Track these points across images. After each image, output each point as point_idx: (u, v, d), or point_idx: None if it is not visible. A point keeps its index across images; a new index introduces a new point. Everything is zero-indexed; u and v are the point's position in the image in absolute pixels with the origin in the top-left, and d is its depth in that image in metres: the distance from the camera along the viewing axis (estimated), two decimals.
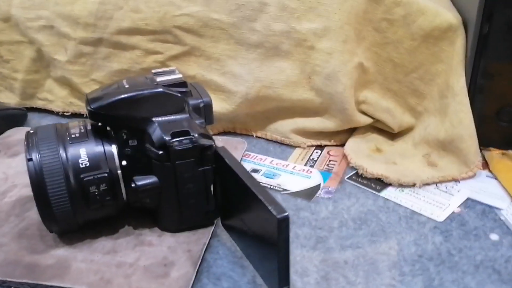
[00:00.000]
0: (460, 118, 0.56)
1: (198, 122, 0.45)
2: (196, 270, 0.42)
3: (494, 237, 0.47)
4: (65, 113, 0.72)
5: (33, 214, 0.49)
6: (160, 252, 0.44)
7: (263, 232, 0.38)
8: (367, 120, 0.62)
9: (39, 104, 0.73)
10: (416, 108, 0.62)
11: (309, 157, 0.61)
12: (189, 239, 0.46)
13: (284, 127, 0.64)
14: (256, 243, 0.40)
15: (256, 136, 0.66)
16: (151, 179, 0.44)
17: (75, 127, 0.45)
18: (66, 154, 0.42)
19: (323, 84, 0.60)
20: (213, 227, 0.47)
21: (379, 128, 0.64)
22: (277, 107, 0.63)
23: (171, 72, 0.47)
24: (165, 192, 0.44)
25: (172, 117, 0.44)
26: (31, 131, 0.44)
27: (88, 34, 0.65)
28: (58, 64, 0.68)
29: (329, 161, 0.61)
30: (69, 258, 0.44)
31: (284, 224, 0.35)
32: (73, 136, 0.43)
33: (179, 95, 0.44)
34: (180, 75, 0.45)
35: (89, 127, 0.45)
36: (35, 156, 0.41)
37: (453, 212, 0.51)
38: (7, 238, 0.46)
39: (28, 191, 0.52)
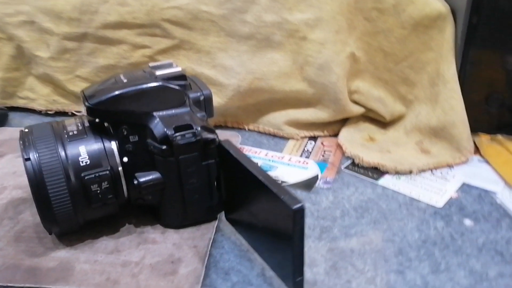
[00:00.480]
0: (451, 105, 0.57)
1: (199, 115, 0.44)
2: (204, 265, 0.41)
3: (468, 223, 0.48)
4: (48, 112, 0.70)
5: (28, 216, 0.47)
6: (165, 250, 0.43)
7: (275, 223, 0.37)
8: (359, 110, 0.63)
9: (20, 103, 0.70)
10: (406, 97, 0.62)
11: (304, 148, 0.61)
12: (193, 235, 0.45)
13: (277, 119, 0.63)
14: (266, 235, 0.39)
15: (248, 129, 0.65)
16: (153, 175, 0.43)
17: (72, 125, 0.43)
18: (65, 153, 0.41)
19: (316, 75, 0.59)
20: (216, 222, 0.47)
21: (371, 117, 0.64)
22: (269, 99, 0.63)
23: (169, 65, 0.45)
24: (168, 188, 0.43)
25: (173, 111, 0.43)
26: (26, 130, 0.42)
27: (72, 29, 0.63)
28: (40, 61, 0.66)
29: (324, 151, 0.61)
30: (72, 260, 0.42)
31: (299, 214, 0.34)
32: (70, 133, 0.42)
33: (179, 88, 0.43)
34: (179, 68, 0.44)
35: (86, 124, 0.43)
36: (33, 155, 0.40)
37: (450, 198, 0.52)
38: (3, 242, 0.44)
39: (19, 193, 0.51)
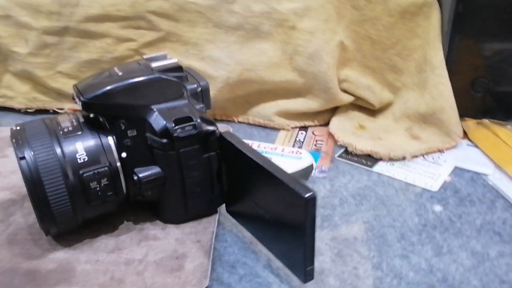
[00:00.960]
0: (440, 91, 0.58)
1: (198, 107, 0.43)
2: (210, 260, 0.41)
3: (437, 208, 0.49)
4: (28, 110, 0.67)
5: (19, 218, 0.46)
6: (168, 245, 0.42)
7: (284, 213, 0.37)
8: (349, 98, 0.63)
9: None
10: (394, 84, 0.63)
11: (296, 139, 0.61)
12: (195, 229, 0.44)
13: (267, 110, 0.63)
14: (273, 225, 0.39)
15: (238, 121, 0.65)
16: (154, 170, 0.42)
17: (66, 121, 0.41)
18: (61, 150, 0.39)
19: (306, 64, 0.59)
20: (217, 215, 0.46)
21: (360, 105, 0.65)
22: (259, 90, 0.62)
23: (164, 56, 0.44)
24: (169, 183, 0.42)
25: (172, 103, 0.42)
26: (18, 128, 0.40)
27: (52, 23, 0.61)
28: (18, 57, 0.63)
29: (316, 141, 0.61)
30: (72, 261, 0.41)
31: (311, 203, 0.34)
32: (65, 130, 0.40)
33: (176, 80, 0.42)
34: (175, 60, 0.43)
35: (81, 120, 0.41)
36: (28, 154, 0.38)
37: (444, 181, 0.52)
38: None
39: (7, 194, 0.49)
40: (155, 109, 0.41)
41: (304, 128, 0.63)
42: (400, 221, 0.47)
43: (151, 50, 0.61)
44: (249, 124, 0.64)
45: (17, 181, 0.51)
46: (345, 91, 0.63)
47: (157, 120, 0.41)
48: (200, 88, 0.44)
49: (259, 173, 0.38)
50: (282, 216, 0.37)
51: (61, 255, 0.41)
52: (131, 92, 0.40)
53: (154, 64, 0.42)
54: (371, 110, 0.64)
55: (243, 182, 0.41)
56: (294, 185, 0.35)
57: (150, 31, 0.61)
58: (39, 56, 0.63)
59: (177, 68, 0.43)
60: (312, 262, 0.37)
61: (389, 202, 0.50)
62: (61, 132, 0.40)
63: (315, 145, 0.60)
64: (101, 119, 0.41)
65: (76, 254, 0.41)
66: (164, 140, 0.40)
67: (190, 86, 0.44)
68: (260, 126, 0.64)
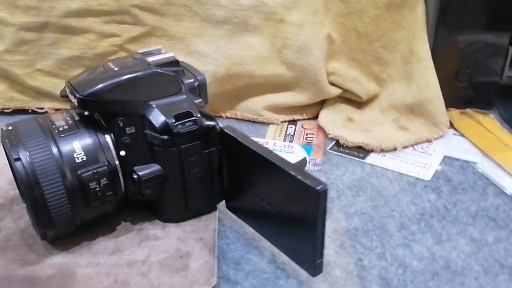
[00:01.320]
0: (427, 81, 0.59)
1: (197, 102, 0.42)
2: (215, 257, 0.40)
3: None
4: (5, 110, 0.64)
5: (9, 223, 0.43)
6: (170, 245, 0.41)
7: (293, 206, 0.37)
8: (337, 91, 0.63)
9: None
10: (380, 76, 0.63)
11: (286, 133, 0.61)
12: (196, 227, 0.43)
13: (255, 105, 0.63)
14: (280, 220, 0.39)
15: (226, 117, 0.64)
16: (153, 168, 0.40)
17: (60, 119, 0.40)
18: (58, 150, 0.37)
19: (295, 57, 0.59)
20: (217, 212, 0.45)
21: (347, 98, 0.65)
22: (247, 85, 0.62)
23: (159, 51, 0.43)
24: (169, 180, 0.41)
25: (171, 99, 0.41)
26: (9, 128, 0.38)
27: (30, 19, 0.58)
28: None
29: (306, 134, 0.60)
30: (71, 265, 0.39)
31: (323, 195, 0.34)
32: (61, 129, 0.38)
33: (174, 75, 0.41)
34: (171, 54, 0.42)
35: (76, 118, 0.40)
36: (23, 155, 0.36)
37: (436, 170, 0.53)
38: None
39: None
40: (154, 105, 0.40)
41: (293, 122, 0.63)
42: (398, 211, 0.47)
43: (136, 45, 0.60)
44: (237, 119, 0.64)
45: (3, 185, 0.49)
46: (332, 84, 0.63)
47: (156, 116, 0.39)
48: (197, 83, 0.43)
49: (265, 167, 0.37)
50: (290, 209, 0.37)
51: (59, 259, 0.40)
52: (129, 88, 0.39)
53: (150, 59, 0.41)
54: (358, 103, 0.65)
55: (246, 177, 0.41)
56: (305, 178, 0.34)
57: (135, 26, 0.59)
58: (16, 54, 0.60)
59: (174, 62, 0.42)
60: (321, 255, 0.37)
61: (385, 193, 0.50)
62: (56, 131, 0.38)
63: (306, 139, 0.59)
64: (96, 117, 0.40)
65: (75, 258, 0.40)
66: (165, 137, 0.39)
67: (187, 81, 0.43)
68: (249, 121, 0.63)
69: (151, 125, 0.39)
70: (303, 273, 0.39)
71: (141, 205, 0.44)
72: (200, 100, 0.42)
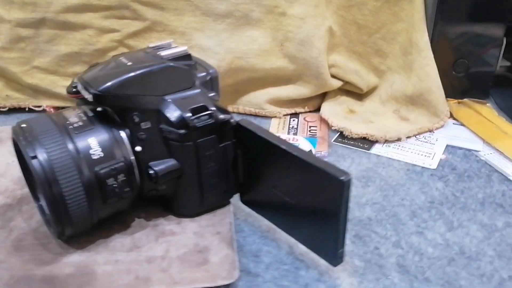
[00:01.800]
0: (426, 72, 0.60)
1: (210, 95, 0.42)
2: (235, 250, 0.40)
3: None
4: (1, 109, 0.62)
5: (20, 223, 0.43)
6: (187, 240, 0.41)
7: (315, 197, 0.37)
8: (338, 83, 0.63)
9: None
10: (379, 67, 0.64)
11: (289, 126, 0.61)
12: (212, 222, 0.43)
13: (258, 99, 0.62)
14: (299, 210, 0.39)
15: None
16: (170, 163, 0.40)
17: (73, 116, 0.39)
18: (75, 146, 0.37)
19: (297, 50, 0.59)
20: (231, 206, 0.45)
21: (347, 90, 0.65)
22: (249, 78, 0.62)
23: (169, 45, 0.43)
24: (185, 175, 0.41)
25: (185, 93, 0.40)
26: (23, 125, 0.37)
27: (27, 15, 0.57)
28: None
29: (309, 127, 0.61)
30: (89, 263, 0.39)
31: (347, 185, 0.34)
32: (75, 125, 0.38)
33: (188, 68, 0.41)
34: (184, 48, 0.42)
35: (90, 114, 0.39)
36: (40, 152, 0.35)
37: (440, 159, 0.54)
38: (2, 254, 0.39)
39: (0, 198, 0.45)
40: (169, 100, 0.39)
41: (295, 115, 0.63)
42: (408, 199, 0.48)
43: (136, 40, 0.59)
44: (239, 113, 0.63)
45: (8, 184, 0.48)
46: (333, 76, 0.63)
47: (172, 111, 0.39)
48: (209, 76, 0.43)
49: (285, 159, 0.38)
50: (311, 200, 0.37)
51: (76, 258, 0.39)
52: (144, 83, 0.39)
53: (163, 53, 0.41)
54: (358, 94, 0.65)
55: (263, 169, 0.41)
56: (329, 169, 0.34)
57: (135, 21, 0.58)
58: (13, 51, 0.59)
59: (187, 56, 0.42)
60: (343, 245, 0.37)
61: (393, 182, 0.51)
62: (71, 128, 0.38)
63: (310, 131, 0.60)
64: (110, 112, 0.39)
65: (92, 256, 0.39)
66: (182, 131, 0.39)
67: (200, 74, 0.43)
68: (251, 115, 0.63)
69: (167, 120, 0.39)
70: (322, 263, 0.40)
71: (154, 201, 0.44)
72: (214, 94, 0.42)
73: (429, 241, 0.43)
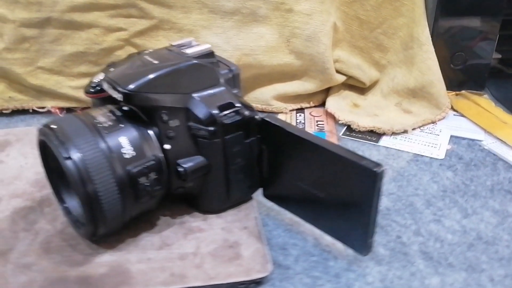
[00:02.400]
0: (428, 65, 0.62)
1: (235, 92, 0.42)
2: (265, 244, 0.41)
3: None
4: (4, 111, 0.61)
5: (45, 225, 0.42)
6: (216, 235, 0.42)
7: (345, 189, 0.38)
8: (342, 78, 0.65)
9: None
10: (380, 62, 0.65)
11: (296, 121, 0.62)
12: (238, 217, 0.44)
13: (264, 95, 0.63)
14: (328, 203, 0.40)
15: None
16: (198, 160, 0.40)
17: (101, 115, 0.39)
18: (107, 146, 0.37)
19: (304, 46, 0.60)
20: (255, 200, 0.46)
21: (350, 84, 0.67)
22: (256, 75, 0.62)
23: (191, 43, 0.43)
24: (213, 172, 0.41)
25: (211, 90, 0.41)
26: (53, 126, 0.37)
27: (32, 15, 0.56)
28: None
29: (317, 121, 0.62)
30: (122, 262, 0.39)
31: (380, 177, 0.35)
32: (105, 125, 0.38)
33: (212, 66, 0.41)
34: (207, 45, 0.42)
35: (118, 113, 0.39)
36: (73, 153, 0.35)
37: (447, 150, 0.56)
38: (32, 257, 0.39)
39: (19, 202, 0.46)
40: (196, 97, 0.40)
41: (301, 110, 0.64)
42: (422, 189, 0.50)
43: (143, 39, 0.59)
44: None
45: (25, 187, 0.47)
46: (337, 71, 0.64)
47: (201, 108, 0.39)
48: (231, 74, 0.44)
49: (313, 152, 0.38)
50: (342, 192, 0.38)
51: (108, 257, 0.39)
52: (172, 81, 0.39)
53: (188, 51, 0.41)
54: (360, 89, 0.67)
55: (288, 163, 0.42)
56: (361, 161, 0.36)
57: (142, 19, 0.58)
58: (17, 51, 0.58)
59: (210, 53, 0.42)
60: (372, 235, 0.38)
61: (405, 173, 0.52)
62: (101, 127, 0.38)
63: (317, 126, 0.61)
64: (137, 111, 0.40)
65: (124, 255, 0.39)
66: (211, 128, 0.39)
67: (223, 72, 0.43)
68: (257, 111, 0.64)
69: (196, 117, 0.39)
70: (349, 253, 0.41)
71: (180, 199, 0.44)
72: (237, 91, 0.43)
73: (447, 228, 0.44)
